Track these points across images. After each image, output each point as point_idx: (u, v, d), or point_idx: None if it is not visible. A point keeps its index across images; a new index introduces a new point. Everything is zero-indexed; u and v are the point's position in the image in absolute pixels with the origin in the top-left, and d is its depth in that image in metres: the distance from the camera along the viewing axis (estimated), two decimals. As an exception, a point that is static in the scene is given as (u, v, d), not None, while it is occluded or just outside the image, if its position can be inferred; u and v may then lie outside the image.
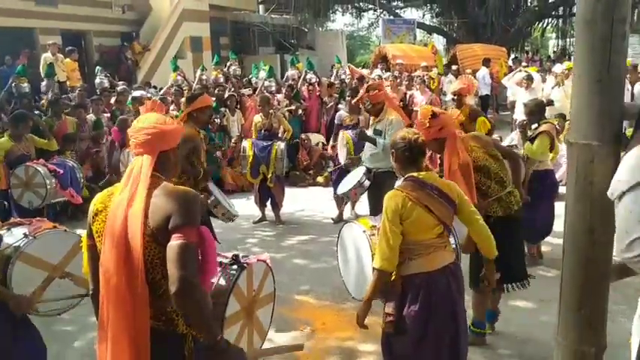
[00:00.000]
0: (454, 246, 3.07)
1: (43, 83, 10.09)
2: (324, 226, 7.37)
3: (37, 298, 2.90)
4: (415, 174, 2.90)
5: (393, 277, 2.89)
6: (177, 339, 2.03)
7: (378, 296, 2.90)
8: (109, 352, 1.98)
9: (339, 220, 7.29)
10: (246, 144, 7.28)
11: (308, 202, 8.75)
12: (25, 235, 2.97)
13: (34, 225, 3.12)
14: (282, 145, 7.26)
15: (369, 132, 5.63)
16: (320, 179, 9.88)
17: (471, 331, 3.82)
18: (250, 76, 12.28)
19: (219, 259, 2.34)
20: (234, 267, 2.34)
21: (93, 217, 2.12)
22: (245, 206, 8.29)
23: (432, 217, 2.80)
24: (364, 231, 3.20)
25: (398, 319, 2.83)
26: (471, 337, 3.80)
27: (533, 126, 5.75)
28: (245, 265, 2.35)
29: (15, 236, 3.00)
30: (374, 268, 2.80)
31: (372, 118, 5.73)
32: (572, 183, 1.96)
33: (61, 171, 5.87)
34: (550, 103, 9.57)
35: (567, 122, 9.35)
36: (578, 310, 2.02)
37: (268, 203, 7.56)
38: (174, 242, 1.90)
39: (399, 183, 2.96)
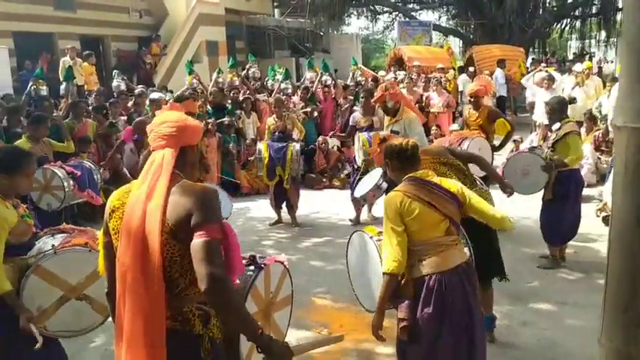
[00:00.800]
0: (465, 243, 2.99)
1: (62, 86, 10.17)
2: (340, 228, 7.31)
3: (46, 317, 2.78)
4: (412, 174, 2.88)
5: (404, 281, 2.82)
6: (194, 340, 1.99)
7: (390, 304, 2.83)
8: (125, 352, 1.94)
9: (357, 222, 7.24)
10: (261, 146, 7.26)
11: (324, 204, 8.71)
12: (52, 247, 2.85)
13: (71, 236, 2.99)
14: (297, 146, 7.22)
15: (386, 132, 5.57)
16: (336, 182, 9.83)
17: None
18: (267, 79, 12.27)
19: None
20: (251, 268, 2.30)
21: (110, 214, 2.09)
22: (260, 209, 8.28)
23: (436, 212, 2.75)
24: (371, 237, 3.13)
25: (412, 323, 2.75)
26: None
27: (555, 126, 5.63)
28: (262, 265, 2.30)
29: (47, 244, 2.91)
30: (383, 273, 2.72)
31: (387, 119, 5.67)
32: (621, 172, 1.80)
33: (79, 172, 5.87)
34: (573, 101, 9.41)
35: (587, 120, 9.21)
36: (624, 310, 1.90)
37: (284, 205, 7.53)
38: (199, 240, 1.86)
39: None
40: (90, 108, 8.76)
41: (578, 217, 5.56)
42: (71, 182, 5.73)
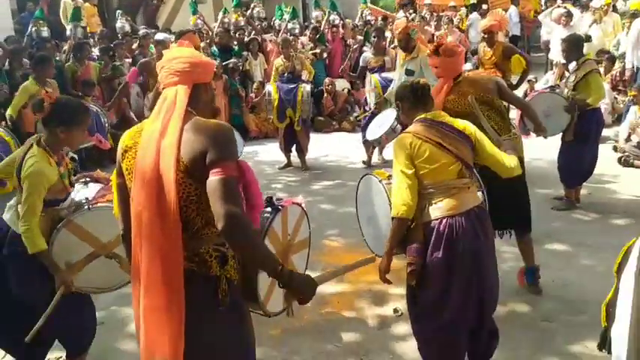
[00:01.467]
0: (478, 187, 2.89)
1: (68, 27, 9.89)
2: (350, 171, 7.25)
3: (74, 272, 2.75)
4: (423, 115, 2.76)
5: (413, 225, 2.74)
6: (211, 281, 1.94)
7: (398, 248, 2.77)
8: (143, 292, 1.90)
9: (369, 164, 7.17)
10: (270, 88, 7.08)
11: (333, 147, 8.62)
12: (86, 200, 2.78)
13: (103, 191, 2.90)
14: (307, 87, 7.06)
15: (401, 71, 5.39)
16: (345, 124, 9.69)
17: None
18: (274, 19, 11.89)
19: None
20: (268, 209, 2.23)
21: (122, 154, 2.01)
22: (269, 152, 8.21)
23: (447, 153, 2.64)
24: (380, 181, 3.02)
25: (421, 268, 2.69)
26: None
27: (571, 65, 5.43)
28: (280, 207, 2.23)
29: (82, 195, 2.84)
30: (393, 218, 2.64)
31: (402, 56, 5.46)
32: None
33: None
34: (588, 39, 9.10)
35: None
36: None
37: (293, 149, 7.44)
38: (214, 178, 1.79)
39: None
40: (94, 50, 8.55)
41: (596, 157, 5.46)
42: None
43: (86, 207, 2.76)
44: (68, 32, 9.65)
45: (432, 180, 2.65)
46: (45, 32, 8.57)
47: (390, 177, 2.96)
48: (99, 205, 2.79)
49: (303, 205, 2.41)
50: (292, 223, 2.34)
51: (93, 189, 2.91)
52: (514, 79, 6.58)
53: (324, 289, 4.05)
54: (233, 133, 1.93)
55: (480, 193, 2.88)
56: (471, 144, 2.71)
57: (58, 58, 7.33)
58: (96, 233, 2.76)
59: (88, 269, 2.78)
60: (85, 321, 3.01)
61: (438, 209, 2.65)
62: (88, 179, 3.04)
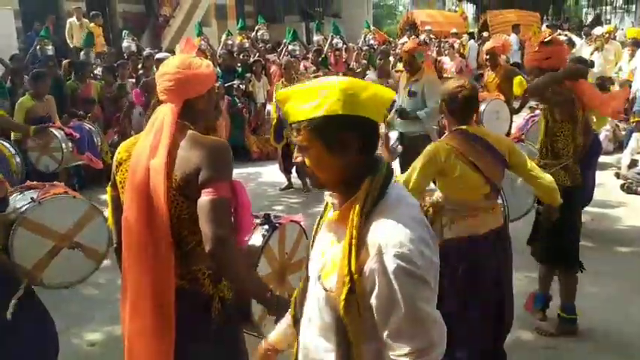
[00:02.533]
0: (502, 209, 2.83)
1: (82, 53, 9.95)
2: (352, 194, 7.18)
3: (40, 270, 2.69)
4: (464, 127, 2.65)
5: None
6: (204, 300, 1.88)
7: None
8: (130, 313, 1.83)
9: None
10: (270, 107, 7.04)
11: (335, 169, 8.54)
12: (32, 200, 2.74)
13: (45, 189, 2.89)
14: None
15: (403, 93, 5.37)
16: (346, 147, 9.66)
17: (559, 317, 3.61)
18: (285, 41, 11.88)
19: (249, 218, 2.16)
20: (266, 227, 2.16)
21: (117, 167, 1.98)
22: (271, 174, 8.15)
23: (479, 175, 2.56)
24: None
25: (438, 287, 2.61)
26: (560, 325, 3.58)
27: None
28: (277, 225, 2.17)
29: (24, 200, 2.79)
30: None
31: (405, 77, 5.44)
32: None
33: (78, 135, 5.79)
34: (592, 64, 9.13)
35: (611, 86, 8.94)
36: None
37: (294, 170, 7.39)
38: (206, 198, 1.74)
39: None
40: (97, 69, 8.58)
41: (595, 182, 5.44)
42: (70, 144, 5.65)
43: (36, 202, 2.72)
44: (82, 56, 9.68)
45: (457, 197, 2.60)
46: (50, 50, 8.61)
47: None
48: (47, 197, 2.78)
49: (302, 222, 2.33)
50: (290, 241, 2.27)
51: (32, 194, 2.87)
52: (516, 104, 6.54)
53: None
54: (229, 152, 1.87)
55: (499, 216, 2.80)
56: (504, 164, 2.64)
57: (59, 76, 7.34)
58: (52, 226, 2.74)
59: (54, 265, 2.73)
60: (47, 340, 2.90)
61: (460, 228, 2.60)
62: (23, 189, 2.98)
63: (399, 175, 3.24)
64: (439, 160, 2.54)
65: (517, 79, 6.33)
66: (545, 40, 3.40)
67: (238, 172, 8.37)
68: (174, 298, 1.80)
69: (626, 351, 3.40)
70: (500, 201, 2.80)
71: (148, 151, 1.84)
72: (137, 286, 1.82)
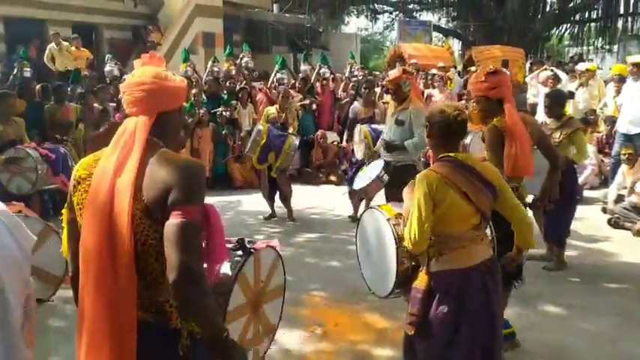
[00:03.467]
0: (491, 239, 2.70)
1: (69, 88, 9.83)
2: (336, 225, 7.04)
3: None
4: (452, 154, 2.52)
5: (420, 274, 2.54)
6: (170, 334, 1.70)
7: (402, 289, 2.56)
8: (85, 345, 1.65)
9: (355, 218, 6.96)
10: (261, 127, 6.84)
11: (319, 200, 8.42)
12: None
13: None
14: (296, 141, 6.92)
15: (390, 122, 5.29)
16: (333, 177, 9.55)
17: None
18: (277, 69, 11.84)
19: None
20: (239, 253, 2.00)
21: (75, 186, 1.79)
22: (254, 202, 7.99)
23: (470, 205, 2.42)
24: (388, 219, 2.83)
25: (423, 321, 2.47)
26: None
27: (548, 121, 5.39)
28: (252, 250, 2.01)
29: None
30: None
31: (392, 106, 5.37)
32: None
33: (53, 156, 5.54)
34: (572, 95, 9.20)
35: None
36: None
37: (277, 198, 7.23)
38: (174, 221, 1.58)
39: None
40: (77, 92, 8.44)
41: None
42: (45, 166, 5.39)
43: None
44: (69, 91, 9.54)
45: (446, 229, 2.45)
46: (28, 72, 8.49)
47: (398, 216, 2.76)
48: None
49: (277, 248, 2.18)
50: (266, 268, 2.11)
51: None
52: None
53: (301, 345, 3.79)
54: (203, 173, 1.72)
55: (489, 247, 2.66)
56: (494, 194, 2.51)
57: (38, 100, 7.18)
58: None
59: None
60: None
61: (448, 261, 2.45)
62: None
63: (388, 206, 3.13)
64: (430, 187, 2.41)
65: (500, 112, 6.33)
66: (491, 70, 3.46)
67: (219, 200, 8.20)
68: (137, 333, 1.62)
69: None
70: (488, 231, 2.68)
71: (112, 169, 1.67)
72: (94, 319, 1.64)
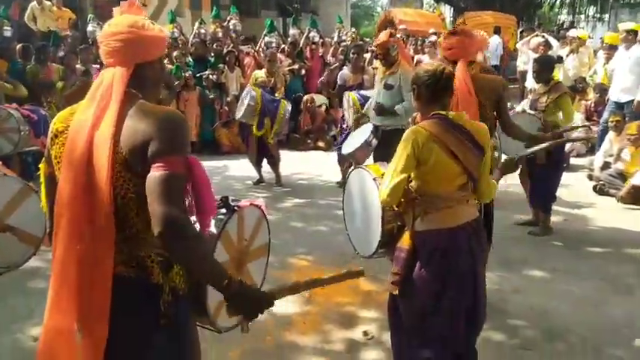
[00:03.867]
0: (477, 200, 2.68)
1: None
2: (324, 190, 7.04)
3: None
4: (443, 112, 2.47)
5: (405, 234, 2.53)
6: (152, 290, 1.66)
7: (386, 250, 2.55)
8: (49, 306, 1.61)
9: (344, 184, 6.94)
10: (254, 93, 6.71)
11: (307, 165, 8.39)
12: None
13: None
14: (288, 105, 6.83)
15: (379, 86, 5.22)
16: (321, 143, 9.49)
17: None
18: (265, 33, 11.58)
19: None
20: (223, 210, 1.97)
21: (52, 140, 1.73)
22: (241, 167, 7.94)
23: (457, 165, 2.39)
24: (374, 178, 2.81)
25: (405, 280, 2.46)
26: None
27: (535, 86, 5.38)
28: (236, 208, 1.97)
29: None
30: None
31: (381, 71, 5.29)
32: None
33: (35, 117, 5.43)
34: (560, 60, 9.17)
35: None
36: None
37: (264, 164, 7.19)
38: (156, 173, 1.53)
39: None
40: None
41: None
42: (27, 127, 5.29)
43: None
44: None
45: (432, 189, 2.42)
46: (8, 32, 8.25)
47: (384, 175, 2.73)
48: None
49: (262, 207, 2.14)
50: (250, 226, 2.08)
51: None
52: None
53: (288, 309, 3.80)
54: (185, 124, 1.66)
55: (475, 207, 2.63)
56: (482, 155, 2.47)
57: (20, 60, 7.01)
58: None
59: None
60: None
61: (433, 221, 2.43)
62: None
63: (375, 166, 3.10)
64: (417, 145, 2.36)
65: (492, 78, 6.28)
66: (451, 31, 3.42)
67: (206, 165, 7.96)
68: (117, 288, 1.59)
69: (597, 350, 3.32)
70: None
71: (90, 122, 1.62)
72: (62, 273, 1.60)
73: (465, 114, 2.54)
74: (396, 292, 2.48)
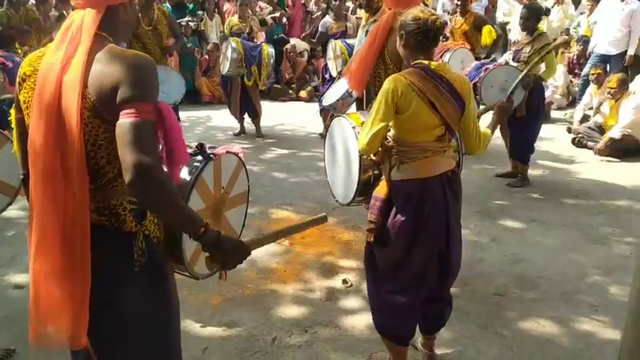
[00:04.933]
0: (456, 152, 2.68)
1: None
2: (306, 141, 7.02)
3: None
4: (425, 62, 2.43)
5: (380, 182, 2.54)
6: (125, 238, 1.65)
7: (364, 198, 2.56)
8: (33, 252, 1.60)
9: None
10: (234, 44, 6.55)
11: (289, 116, 8.33)
12: None
13: None
14: (270, 48, 6.69)
15: (361, 34, 5.11)
16: (303, 93, 9.39)
17: None
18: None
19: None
20: (199, 158, 1.94)
21: (20, 84, 1.68)
22: (222, 118, 7.86)
23: (435, 116, 2.37)
24: (353, 127, 2.80)
25: (381, 228, 2.49)
26: None
27: (521, 36, 5.33)
28: (212, 156, 1.95)
29: None
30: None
31: (365, 18, 5.17)
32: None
33: (10, 64, 5.23)
34: (547, 12, 9.07)
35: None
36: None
37: (245, 115, 7.11)
38: (125, 120, 1.49)
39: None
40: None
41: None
42: (1, 74, 5.10)
43: None
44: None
45: (409, 138, 2.41)
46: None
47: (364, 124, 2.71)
48: None
49: (240, 155, 2.12)
50: (227, 174, 2.05)
51: None
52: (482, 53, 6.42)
53: (269, 257, 3.84)
54: (154, 69, 1.60)
55: (452, 159, 2.63)
56: (462, 107, 2.43)
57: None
58: None
59: None
60: None
61: (409, 170, 2.42)
62: None
63: (355, 114, 3.08)
64: (396, 93, 2.34)
65: (486, 28, 6.22)
66: None
67: (188, 115, 8.04)
68: (92, 236, 1.58)
69: (571, 297, 3.43)
70: (454, 142, 2.65)
71: (59, 65, 1.56)
72: (43, 219, 1.59)
73: (448, 65, 2.51)
74: (372, 239, 2.51)
